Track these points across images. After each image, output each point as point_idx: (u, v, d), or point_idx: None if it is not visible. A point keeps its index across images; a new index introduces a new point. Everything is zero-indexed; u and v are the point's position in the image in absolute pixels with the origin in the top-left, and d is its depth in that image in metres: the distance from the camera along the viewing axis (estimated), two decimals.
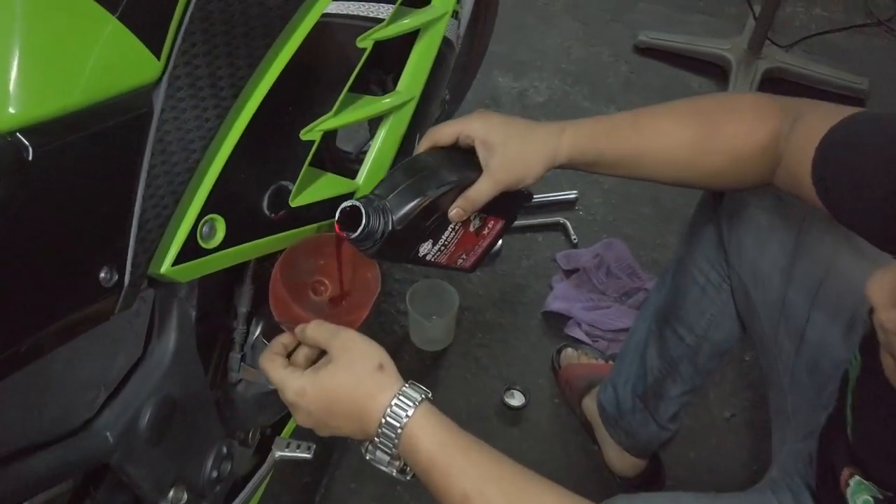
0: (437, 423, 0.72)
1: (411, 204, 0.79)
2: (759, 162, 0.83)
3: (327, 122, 0.85)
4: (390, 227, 0.78)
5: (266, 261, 0.89)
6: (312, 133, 0.84)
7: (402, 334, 1.64)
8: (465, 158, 0.86)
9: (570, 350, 1.59)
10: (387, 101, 0.94)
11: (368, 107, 0.91)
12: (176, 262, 0.72)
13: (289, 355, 0.80)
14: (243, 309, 0.91)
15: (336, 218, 0.79)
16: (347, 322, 0.81)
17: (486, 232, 0.96)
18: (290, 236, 0.86)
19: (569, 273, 1.75)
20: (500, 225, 0.97)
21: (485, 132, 0.85)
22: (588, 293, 1.69)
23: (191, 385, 0.83)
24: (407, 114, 0.97)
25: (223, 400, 0.95)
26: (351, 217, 0.77)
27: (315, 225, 0.89)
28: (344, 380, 0.73)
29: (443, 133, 0.87)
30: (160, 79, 0.66)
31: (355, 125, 0.91)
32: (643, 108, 0.89)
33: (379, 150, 0.96)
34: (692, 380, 1.24)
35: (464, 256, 0.97)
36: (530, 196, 0.94)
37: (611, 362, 1.54)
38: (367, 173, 0.95)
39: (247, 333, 0.94)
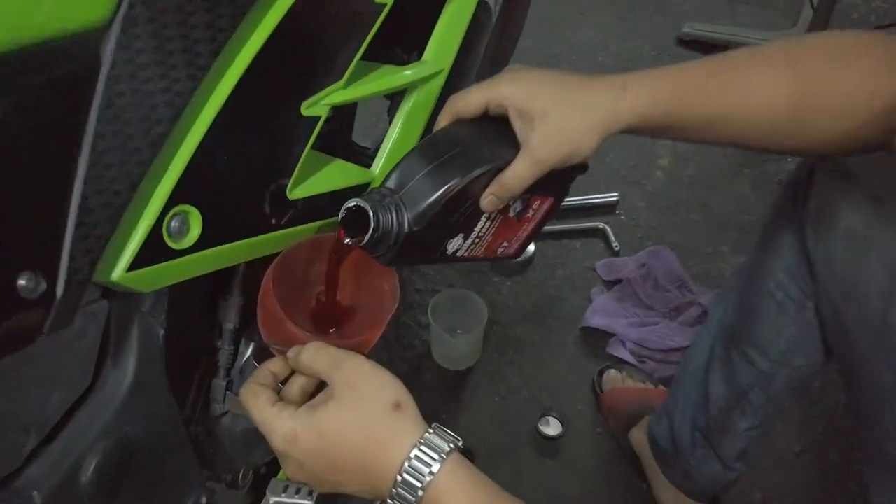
0: (469, 483, 0.55)
1: (432, 198, 0.62)
2: (880, 124, 0.65)
3: (335, 95, 0.68)
4: (406, 229, 0.61)
5: (259, 266, 0.71)
6: (317, 107, 0.67)
7: (422, 350, 1.48)
8: (497, 132, 0.68)
9: (613, 372, 1.42)
10: (410, 73, 0.77)
11: (387, 78, 0.74)
12: (133, 267, 0.55)
13: (280, 389, 0.63)
14: (229, 325, 0.75)
15: (339, 220, 0.61)
16: (356, 345, 0.64)
17: (530, 215, 0.78)
18: (287, 236, 0.69)
19: (610, 284, 1.60)
20: (547, 204, 0.79)
21: (520, 98, 0.66)
22: (633, 307, 1.52)
23: (157, 422, 0.66)
24: (434, 89, 0.79)
25: (205, 437, 0.78)
26: (357, 219, 0.61)
27: (318, 223, 0.72)
28: (349, 422, 0.56)
29: (468, 102, 0.68)
30: (111, 22, 0.49)
31: (374, 112, 0.74)
32: (722, 56, 0.69)
33: (400, 134, 0.79)
34: (763, 411, 1.06)
35: (504, 245, 0.80)
36: (585, 167, 0.75)
37: (661, 387, 1.36)
38: (385, 161, 0.78)
39: (234, 356, 0.77)
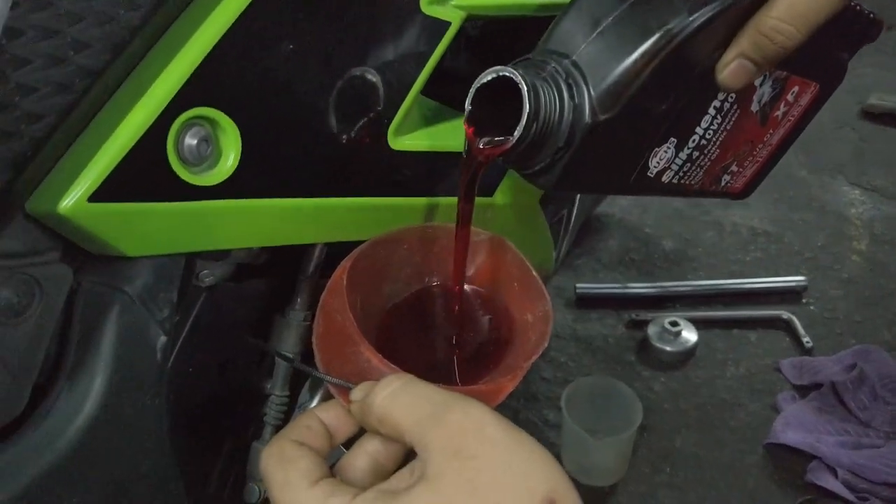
0: None
1: (629, 61, 0.37)
2: None
3: None
4: (588, 117, 0.37)
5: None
6: (446, 8, 0.43)
7: None
8: None
9: None
10: None
11: None
12: (101, 196, 0.31)
13: (333, 456, 0.36)
14: (289, 354, 0.49)
15: (467, 106, 0.37)
16: (480, 394, 0.37)
17: (780, 112, 0.50)
18: (381, 210, 0.44)
19: (803, 390, 1.29)
20: (810, 94, 0.52)
21: None
22: (841, 422, 1.16)
23: (146, 495, 0.39)
24: None
25: None
26: (497, 102, 0.37)
27: (431, 199, 0.47)
28: None
29: None
30: None
31: None
32: None
33: None
34: None
35: (734, 168, 0.53)
36: (878, 26, 0.49)
37: None
38: None
39: (290, 405, 0.51)
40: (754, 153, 0.53)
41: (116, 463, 0.38)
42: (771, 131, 0.52)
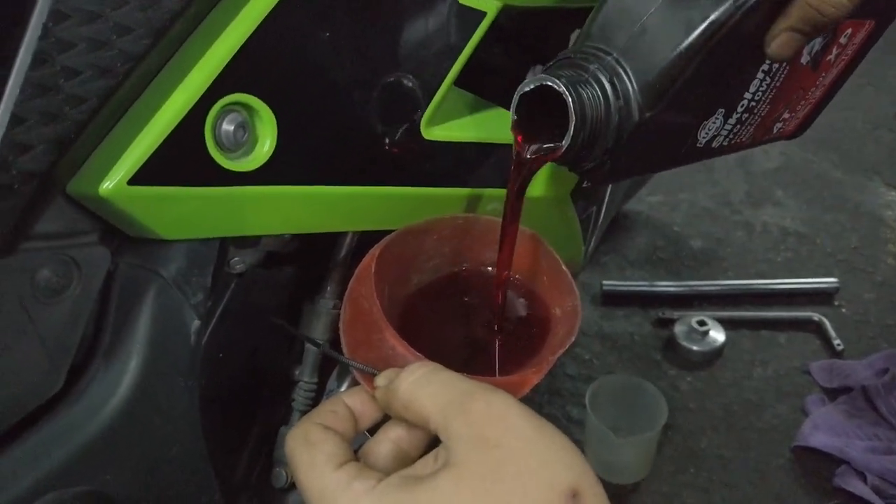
0: None
1: (676, 52, 0.36)
2: None
3: None
4: (636, 115, 0.37)
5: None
6: None
7: None
8: None
9: None
10: None
11: None
12: (140, 179, 0.32)
13: (358, 440, 0.36)
14: (318, 340, 0.49)
15: (513, 114, 0.37)
16: (504, 386, 0.36)
17: (832, 56, 0.49)
18: (413, 200, 0.44)
19: (832, 393, 1.26)
20: (864, 32, 0.50)
21: None
22: (871, 427, 1.14)
23: (172, 479, 0.40)
24: None
25: None
26: (540, 109, 0.36)
27: (464, 190, 0.47)
28: None
29: None
30: None
31: None
32: None
33: None
34: None
35: (786, 115, 0.51)
36: None
37: None
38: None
39: (318, 392, 0.51)
40: (806, 97, 0.51)
41: (148, 443, 0.38)
42: (823, 74, 0.50)
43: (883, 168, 1.77)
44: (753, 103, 0.46)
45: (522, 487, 0.30)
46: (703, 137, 0.44)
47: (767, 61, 0.44)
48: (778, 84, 0.46)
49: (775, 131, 0.52)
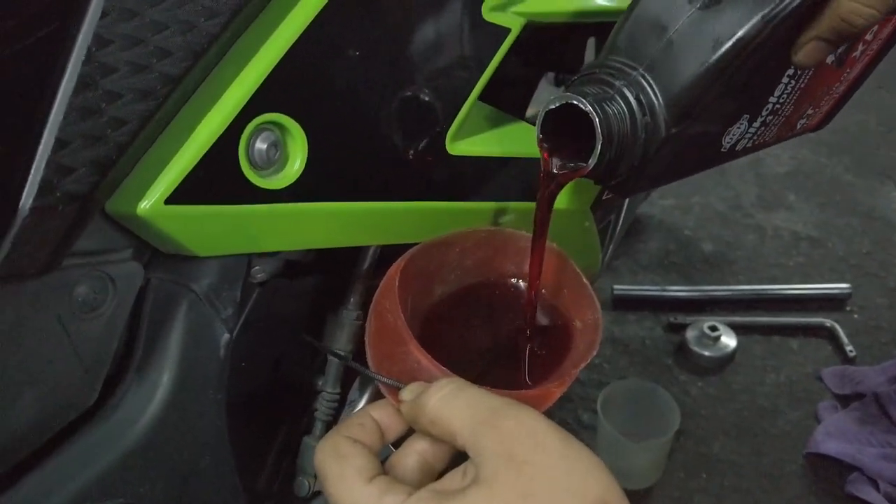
0: None
1: (702, 71, 0.37)
2: None
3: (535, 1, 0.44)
4: (662, 133, 0.37)
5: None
6: (506, 15, 0.43)
7: None
8: None
9: None
10: None
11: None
12: (177, 199, 0.33)
13: (385, 454, 0.36)
14: (339, 353, 0.50)
15: (537, 132, 0.37)
16: (528, 399, 0.37)
17: (857, 52, 0.49)
18: (437, 214, 0.45)
19: (845, 400, 1.26)
20: (890, 26, 0.50)
21: None
22: (884, 434, 1.14)
23: (201, 488, 0.41)
24: None
25: None
26: (566, 124, 0.36)
27: (489, 204, 0.47)
28: None
29: None
30: None
31: None
32: None
33: None
34: None
35: (809, 111, 0.52)
36: None
37: None
38: None
39: (340, 403, 0.52)
40: (830, 92, 0.51)
41: (180, 455, 0.39)
42: (848, 70, 0.50)
43: (895, 172, 1.76)
44: (778, 106, 0.46)
45: (553, 502, 0.31)
46: (728, 143, 0.45)
47: (792, 67, 0.44)
48: (803, 86, 0.46)
49: (799, 127, 0.52)
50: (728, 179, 1.75)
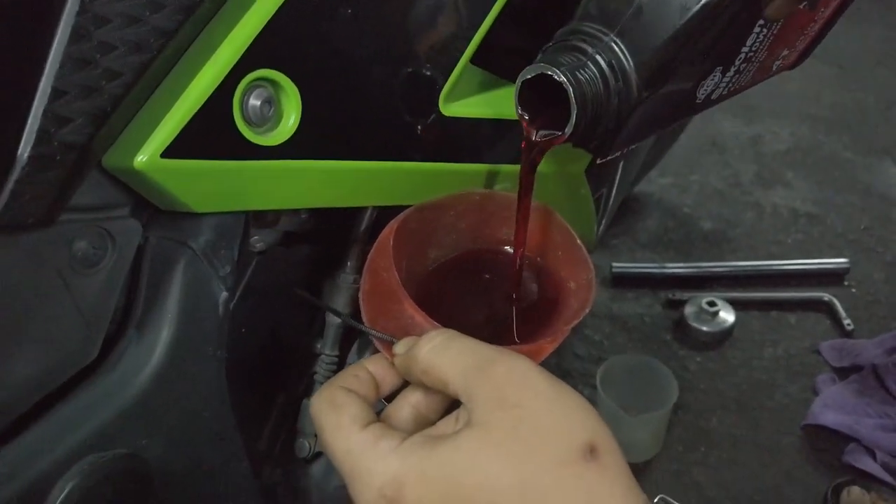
0: None
1: (672, 34, 0.37)
2: None
3: None
4: (635, 96, 0.38)
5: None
6: None
7: None
8: None
9: (857, 490, 1.05)
10: None
11: None
12: (173, 152, 0.33)
13: (379, 406, 0.37)
14: (337, 317, 0.50)
15: (515, 101, 0.38)
16: (520, 353, 0.37)
17: None
18: (432, 175, 0.45)
19: (843, 372, 1.26)
20: None
21: None
22: (881, 405, 1.14)
23: (202, 446, 0.41)
24: None
25: (283, 489, 0.52)
26: (544, 91, 0.37)
27: (483, 166, 0.48)
28: (500, 470, 0.32)
29: None
30: None
31: None
32: None
33: None
34: None
35: (785, 52, 0.52)
36: None
37: None
38: None
39: (339, 366, 0.53)
40: (806, 32, 0.51)
41: (180, 410, 0.40)
42: (822, 9, 0.50)
43: (894, 149, 1.76)
44: (752, 54, 0.46)
45: (542, 444, 0.32)
46: (702, 94, 0.45)
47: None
48: (776, 32, 0.46)
49: (775, 69, 0.52)
50: (727, 157, 1.75)
